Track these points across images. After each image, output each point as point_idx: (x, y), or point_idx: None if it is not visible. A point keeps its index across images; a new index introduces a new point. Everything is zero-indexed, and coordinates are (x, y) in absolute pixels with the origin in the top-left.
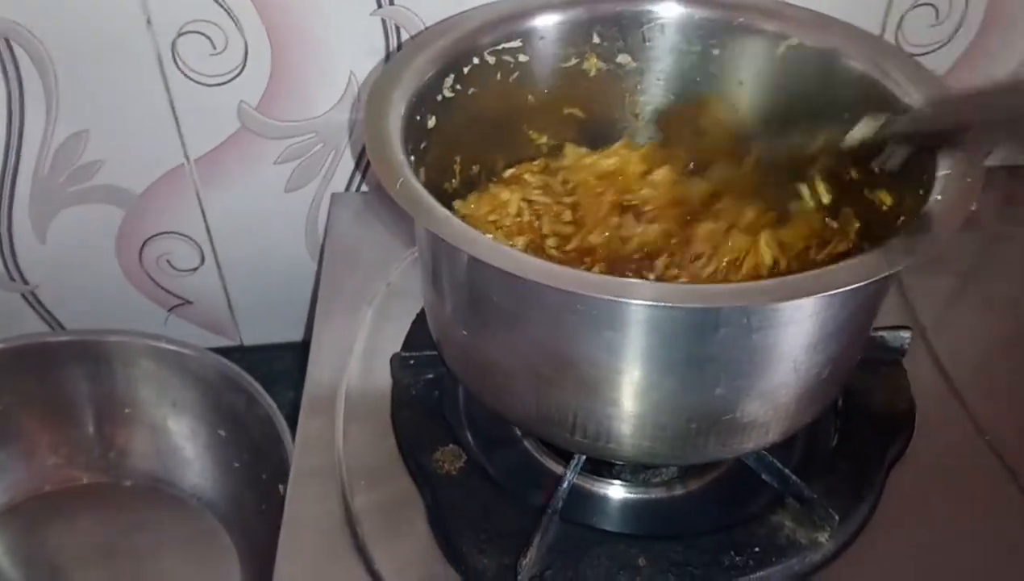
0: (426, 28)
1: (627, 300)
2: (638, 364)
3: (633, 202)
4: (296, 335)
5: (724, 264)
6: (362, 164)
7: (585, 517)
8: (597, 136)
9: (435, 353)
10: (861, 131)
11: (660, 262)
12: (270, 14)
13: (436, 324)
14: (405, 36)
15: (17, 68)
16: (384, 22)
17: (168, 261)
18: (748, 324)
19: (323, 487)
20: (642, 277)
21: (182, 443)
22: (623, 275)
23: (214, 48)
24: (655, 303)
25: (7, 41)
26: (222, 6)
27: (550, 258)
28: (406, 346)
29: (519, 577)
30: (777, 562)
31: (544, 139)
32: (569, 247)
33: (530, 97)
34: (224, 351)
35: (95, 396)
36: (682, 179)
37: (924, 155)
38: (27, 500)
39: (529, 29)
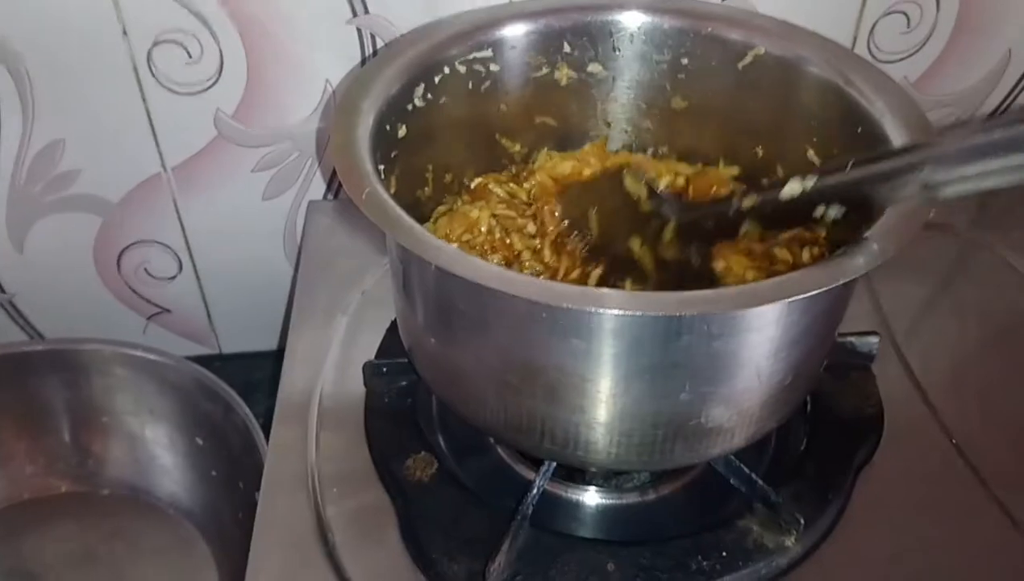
0: (398, 37)
1: (589, 309)
2: (602, 371)
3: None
4: (276, 343)
5: None
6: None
7: (557, 523)
8: (570, 145)
9: (407, 361)
10: (789, 191)
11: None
12: (245, 23)
13: (407, 332)
14: (381, 44)
15: None
16: (360, 31)
17: (146, 269)
18: (709, 331)
19: (295, 495)
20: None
21: (159, 452)
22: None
23: (189, 57)
24: (615, 311)
25: None
26: (197, 16)
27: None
28: (380, 354)
29: None
30: (744, 566)
31: (517, 147)
32: (546, 259)
33: (502, 106)
34: (204, 359)
35: (72, 405)
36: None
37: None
38: (5, 508)
39: (499, 39)
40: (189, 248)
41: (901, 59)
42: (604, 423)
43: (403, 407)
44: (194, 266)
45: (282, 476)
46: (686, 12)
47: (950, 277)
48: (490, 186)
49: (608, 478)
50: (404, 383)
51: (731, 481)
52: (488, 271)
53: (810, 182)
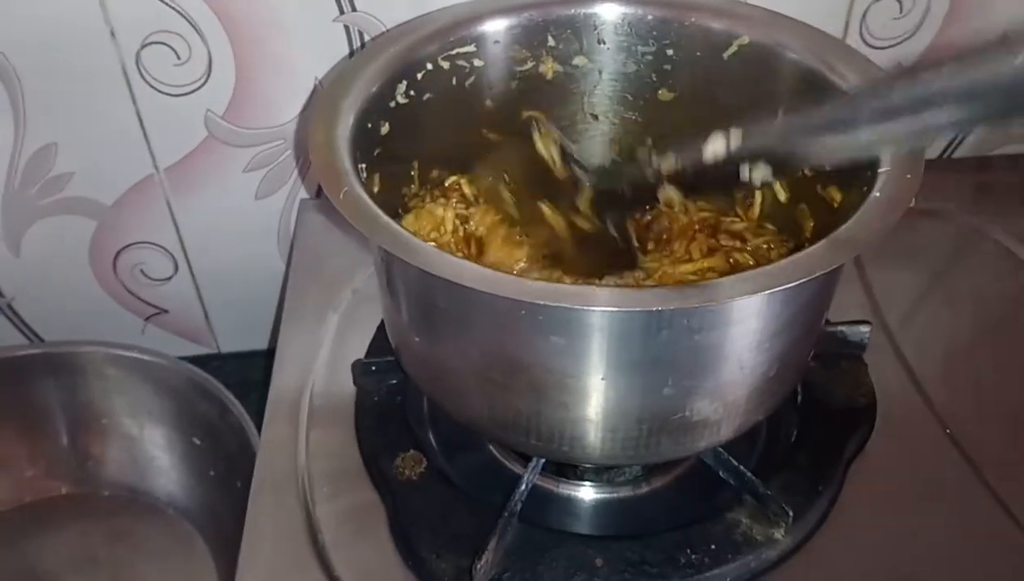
0: (379, 35)
1: (567, 305)
2: (582, 368)
3: None
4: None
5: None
6: None
7: (548, 519)
8: None
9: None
10: (713, 150)
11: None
12: (232, 23)
13: (393, 330)
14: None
15: None
16: (347, 28)
17: (142, 271)
18: (689, 325)
19: (285, 494)
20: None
21: (158, 453)
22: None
23: (178, 58)
24: (593, 308)
25: None
26: (184, 16)
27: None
28: (370, 352)
29: (475, 580)
30: (733, 559)
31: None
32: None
33: (488, 101)
34: (202, 359)
35: (70, 407)
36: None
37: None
38: (6, 512)
39: (482, 34)
40: (184, 249)
41: (894, 45)
42: (588, 419)
43: (393, 405)
44: (190, 267)
45: (272, 475)
46: (670, 3)
47: (944, 264)
48: (461, 183)
49: (599, 473)
50: (394, 381)
51: (720, 474)
52: (466, 270)
53: (736, 138)
